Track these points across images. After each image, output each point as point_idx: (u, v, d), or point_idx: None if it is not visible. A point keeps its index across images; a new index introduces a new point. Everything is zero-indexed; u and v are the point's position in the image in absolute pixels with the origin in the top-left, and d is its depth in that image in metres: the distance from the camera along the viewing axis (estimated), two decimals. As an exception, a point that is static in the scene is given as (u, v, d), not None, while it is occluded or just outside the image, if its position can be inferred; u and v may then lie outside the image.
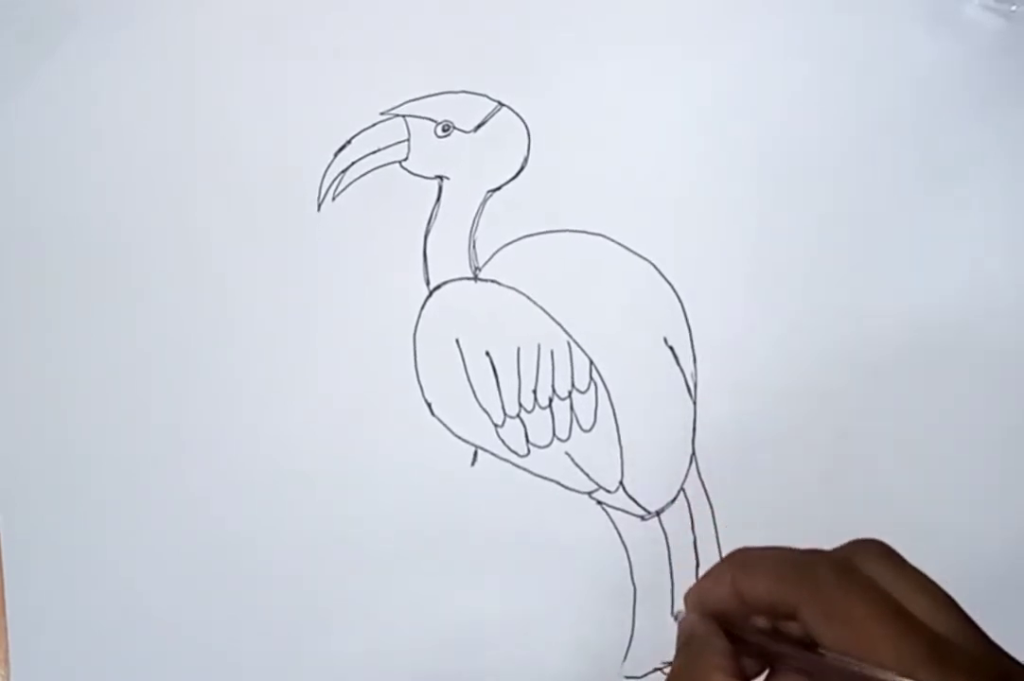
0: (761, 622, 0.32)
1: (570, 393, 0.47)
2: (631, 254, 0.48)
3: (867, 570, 0.30)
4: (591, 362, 0.47)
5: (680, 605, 0.33)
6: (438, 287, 0.48)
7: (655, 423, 0.48)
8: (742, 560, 0.32)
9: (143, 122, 0.50)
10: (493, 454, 0.48)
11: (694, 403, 0.47)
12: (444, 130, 0.49)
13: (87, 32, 0.51)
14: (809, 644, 0.29)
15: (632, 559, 0.47)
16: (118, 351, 0.49)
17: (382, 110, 0.49)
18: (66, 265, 0.50)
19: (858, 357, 0.47)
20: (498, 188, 0.49)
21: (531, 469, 0.47)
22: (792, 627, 0.30)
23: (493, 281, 0.48)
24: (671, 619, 0.35)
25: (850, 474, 0.47)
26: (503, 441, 0.47)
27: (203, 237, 0.49)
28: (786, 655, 0.30)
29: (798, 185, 0.48)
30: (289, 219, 0.49)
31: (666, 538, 0.47)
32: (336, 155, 0.49)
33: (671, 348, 0.48)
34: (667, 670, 0.46)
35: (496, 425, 0.48)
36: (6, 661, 0.48)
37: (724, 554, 0.46)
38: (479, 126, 0.49)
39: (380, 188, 0.49)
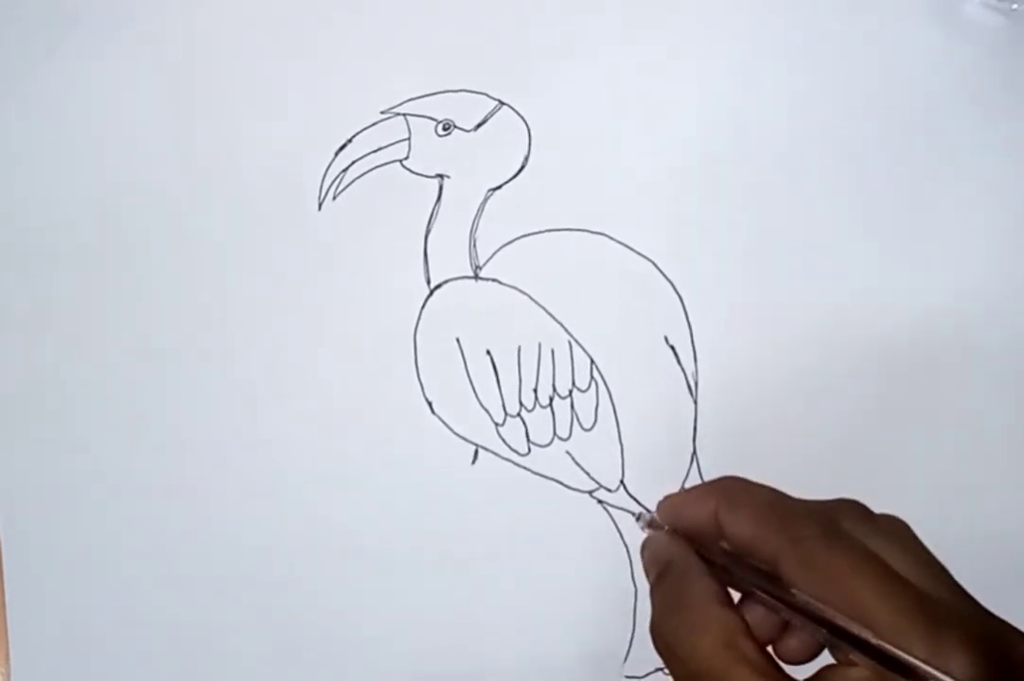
0: (727, 546, 0.31)
1: (571, 392, 0.47)
2: (632, 253, 0.48)
3: (847, 527, 0.29)
4: (592, 361, 0.47)
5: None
6: (439, 286, 0.48)
7: (656, 422, 0.47)
8: (729, 492, 0.31)
9: (143, 122, 0.50)
10: (494, 453, 0.48)
11: (695, 402, 0.47)
12: (445, 129, 0.49)
13: (87, 32, 0.51)
14: (773, 577, 0.29)
15: (632, 559, 0.47)
16: (117, 351, 0.49)
17: (382, 109, 0.49)
18: (66, 265, 0.50)
19: (859, 357, 0.47)
20: (499, 187, 0.49)
21: (532, 468, 0.47)
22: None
23: (494, 280, 0.48)
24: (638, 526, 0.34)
25: (851, 474, 0.47)
26: (504, 440, 0.47)
27: (203, 236, 0.49)
28: (754, 586, 0.29)
29: (798, 184, 0.48)
30: (289, 218, 0.49)
31: (667, 538, 0.47)
32: (337, 154, 0.49)
33: (672, 347, 0.48)
34: (667, 671, 0.46)
35: (497, 424, 0.47)
36: (6, 660, 0.48)
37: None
38: (479, 125, 0.49)
39: (381, 187, 0.49)
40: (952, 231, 0.48)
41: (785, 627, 0.30)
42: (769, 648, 0.29)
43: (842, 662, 0.28)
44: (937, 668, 0.25)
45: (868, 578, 0.27)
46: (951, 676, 0.25)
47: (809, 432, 0.47)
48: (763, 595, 0.29)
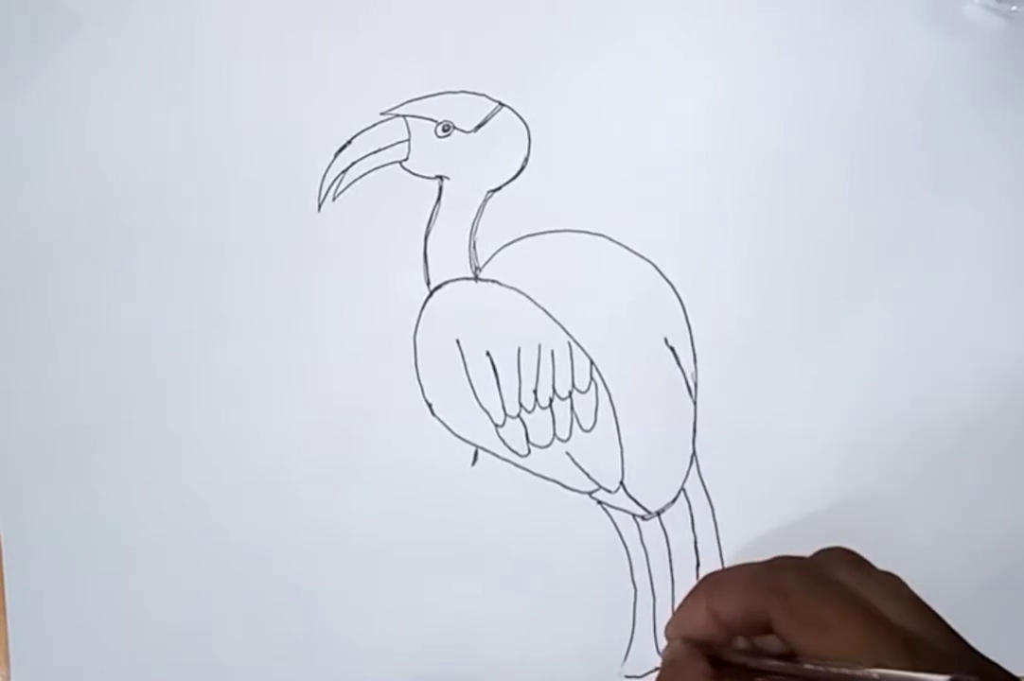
0: (742, 643, 0.32)
1: (570, 393, 0.47)
2: (632, 254, 0.48)
3: (836, 576, 0.30)
4: (591, 362, 0.47)
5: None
6: (438, 287, 0.48)
7: (656, 423, 0.48)
8: (712, 582, 0.32)
9: (143, 122, 0.50)
10: (493, 454, 0.48)
11: (695, 403, 0.47)
12: (444, 130, 0.49)
13: (87, 33, 0.51)
14: (789, 656, 0.29)
15: (632, 559, 0.47)
16: (117, 350, 0.49)
17: (382, 110, 0.49)
18: (66, 265, 0.50)
19: (860, 357, 0.47)
20: (498, 188, 0.49)
21: (531, 469, 0.47)
22: (771, 643, 0.31)
23: (493, 281, 0.48)
24: (670, 614, 0.35)
25: (852, 475, 0.47)
26: (503, 441, 0.47)
27: (203, 237, 0.49)
28: (768, 669, 0.30)
29: (799, 185, 0.48)
30: (289, 219, 0.49)
31: (666, 538, 0.47)
32: (336, 155, 0.49)
33: (672, 348, 0.48)
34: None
35: (496, 425, 0.48)
36: (6, 661, 0.48)
37: (724, 553, 0.46)
38: (479, 126, 0.49)
39: (380, 188, 0.49)
40: (952, 231, 0.48)
41: None
42: None
43: None
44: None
45: (855, 623, 0.28)
46: None
47: (809, 433, 0.47)
48: (777, 671, 0.30)
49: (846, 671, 0.27)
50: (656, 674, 0.46)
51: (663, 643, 0.46)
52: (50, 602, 0.48)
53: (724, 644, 0.32)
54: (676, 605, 0.45)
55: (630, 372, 0.48)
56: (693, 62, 0.49)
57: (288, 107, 0.50)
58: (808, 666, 0.28)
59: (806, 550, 0.34)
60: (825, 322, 0.48)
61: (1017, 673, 0.30)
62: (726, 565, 0.47)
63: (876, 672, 0.26)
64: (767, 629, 0.30)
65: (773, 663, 0.30)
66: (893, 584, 0.30)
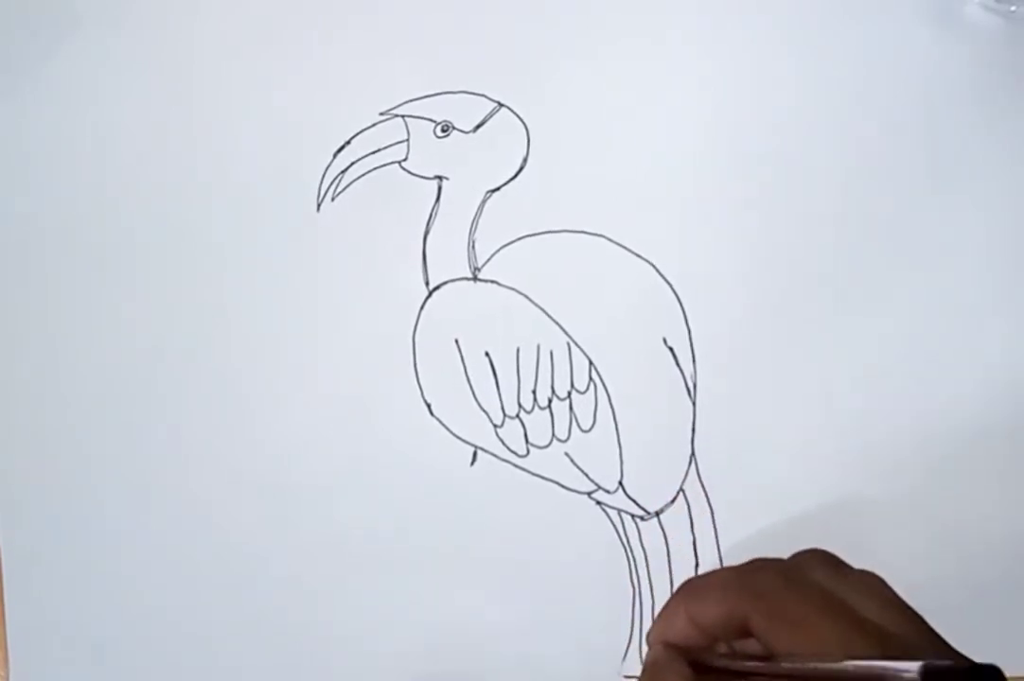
0: (723, 648, 0.32)
1: (569, 393, 0.47)
2: (631, 254, 0.48)
3: (811, 576, 0.30)
4: (590, 362, 0.47)
5: None
6: (437, 287, 0.48)
7: (654, 424, 0.47)
8: (690, 588, 0.32)
9: (143, 122, 0.50)
10: (492, 454, 0.48)
11: (693, 404, 0.47)
12: (443, 130, 0.49)
13: (87, 32, 0.51)
14: (767, 657, 0.30)
15: (632, 559, 0.47)
16: (117, 351, 0.49)
17: (381, 110, 0.49)
18: (66, 265, 0.50)
19: (859, 357, 0.47)
20: (497, 188, 0.49)
21: (530, 469, 0.47)
22: (751, 646, 0.31)
23: (492, 281, 0.48)
24: None
25: (851, 475, 0.47)
26: (502, 441, 0.47)
27: (203, 237, 0.49)
28: (748, 670, 0.30)
29: (798, 185, 0.48)
30: (289, 219, 0.49)
31: (665, 539, 0.47)
32: (335, 155, 0.49)
33: (671, 348, 0.48)
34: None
35: (495, 425, 0.48)
36: (5, 661, 0.48)
37: (723, 554, 0.46)
38: (478, 126, 0.49)
39: (379, 188, 0.49)
40: (953, 231, 0.48)
41: None
42: None
43: None
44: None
45: (830, 620, 0.28)
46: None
47: (807, 433, 0.47)
48: (758, 673, 0.30)
49: (821, 666, 0.27)
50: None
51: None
52: (49, 603, 0.48)
53: (705, 649, 0.32)
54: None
55: (629, 373, 0.48)
56: (693, 62, 0.49)
57: (288, 107, 0.50)
58: (785, 664, 0.28)
59: (804, 551, 0.34)
60: (825, 323, 0.48)
61: (1015, 674, 0.30)
62: (724, 565, 0.47)
63: (850, 664, 0.26)
64: (746, 632, 0.30)
65: (752, 664, 0.30)
66: (870, 582, 0.31)
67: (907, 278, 0.48)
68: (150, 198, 0.50)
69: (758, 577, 0.30)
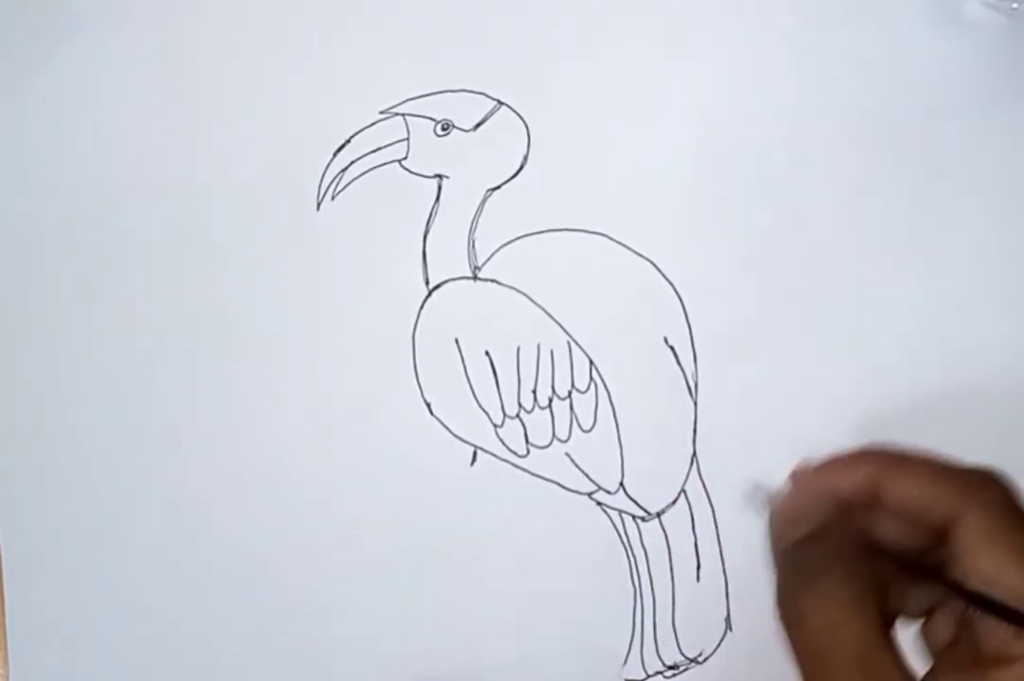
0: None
1: (570, 393, 0.47)
2: (631, 253, 0.48)
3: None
4: (591, 362, 0.47)
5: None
6: (437, 287, 0.48)
7: (655, 423, 0.47)
8: (888, 457, 0.28)
9: (143, 122, 0.50)
10: (492, 454, 0.48)
11: (695, 403, 0.47)
12: (443, 129, 0.49)
13: (87, 33, 0.51)
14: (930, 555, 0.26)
15: (632, 560, 0.47)
16: (117, 351, 0.49)
17: (381, 109, 0.49)
18: (65, 266, 0.50)
19: (860, 356, 0.47)
20: (498, 187, 0.49)
21: (531, 470, 0.47)
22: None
23: (493, 280, 0.48)
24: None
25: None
26: (502, 441, 0.47)
27: (202, 236, 0.49)
28: (927, 570, 0.26)
29: (799, 184, 0.48)
30: (289, 218, 0.49)
31: (667, 539, 0.47)
32: (335, 154, 0.49)
33: (672, 348, 0.48)
34: (668, 674, 0.46)
35: (495, 425, 0.47)
36: (5, 661, 0.48)
37: (725, 555, 0.46)
38: (478, 125, 0.49)
39: (379, 187, 0.49)
40: (952, 231, 0.48)
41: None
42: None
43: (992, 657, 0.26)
44: None
45: None
46: None
47: (809, 432, 0.47)
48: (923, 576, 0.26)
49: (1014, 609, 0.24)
50: (657, 678, 0.46)
51: (663, 645, 0.46)
52: (49, 602, 0.48)
53: (865, 520, 0.27)
54: (679, 599, 0.44)
55: (630, 372, 0.47)
56: (693, 62, 0.49)
57: (287, 106, 0.50)
58: (971, 587, 0.25)
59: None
60: (826, 321, 0.48)
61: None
62: (727, 567, 0.47)
63: None
64: (939, 529, 0.26)
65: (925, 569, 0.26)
66: None
67: (909, 277, 0.48)
68: (150, 198, 0.50)
69: (984, 485, 0.27)
